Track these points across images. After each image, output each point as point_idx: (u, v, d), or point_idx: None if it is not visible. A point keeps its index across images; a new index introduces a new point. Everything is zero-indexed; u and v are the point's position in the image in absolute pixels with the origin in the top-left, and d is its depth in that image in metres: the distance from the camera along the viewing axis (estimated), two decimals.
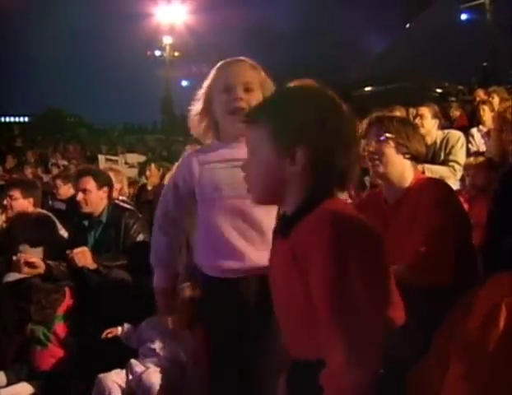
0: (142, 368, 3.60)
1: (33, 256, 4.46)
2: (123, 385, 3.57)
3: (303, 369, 1.76)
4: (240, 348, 2.51)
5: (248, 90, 2.48)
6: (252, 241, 2.46)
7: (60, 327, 4.15)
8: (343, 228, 1.63)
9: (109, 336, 3.87)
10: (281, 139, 1.72)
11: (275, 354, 2.32)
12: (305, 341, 1.73)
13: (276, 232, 1.89)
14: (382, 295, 1.67)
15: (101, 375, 3.59)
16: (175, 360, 3.60)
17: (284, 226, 1.79)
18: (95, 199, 4.69)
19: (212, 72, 2.58)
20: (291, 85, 1.87)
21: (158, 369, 3.56)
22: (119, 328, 3.87)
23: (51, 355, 4.12)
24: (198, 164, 2.61)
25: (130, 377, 3.58)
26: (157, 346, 3.66)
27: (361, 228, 1.67)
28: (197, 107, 2.61)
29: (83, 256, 4.25)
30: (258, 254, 2.40)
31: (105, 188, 4.75)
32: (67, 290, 4.30)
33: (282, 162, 1.72)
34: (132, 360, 3.64)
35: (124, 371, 3.63)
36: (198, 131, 2.64)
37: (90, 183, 4.69)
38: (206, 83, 2.59)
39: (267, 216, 2.38)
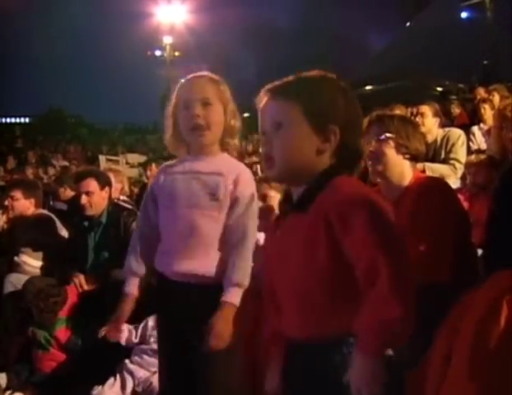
0: (145, 372, 3.55)
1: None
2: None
3: (315, 351, 1.78)
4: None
5: (205, 104, 2.55)
6: (194, 251, 2.54)
7: (61, 332, 4.14)
8: (375, 197, 1.75)
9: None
10: (317, 118, 1.82)
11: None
12: (323, 320, 1.75)
13: (283, 210, 1.97)
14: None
15: (95, 392, 3.55)
16: None
17: (302, 201, 1.84)
18: (99, 200, 4.69)
19: (175, 90, 2.67)
20: (308, 73, 1.92)
21: None
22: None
23: (52, 359, 4.11)
24: (164, 175, 2.70)
25: (130, 382, 3.52)
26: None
27: (382, 200, 1.76)
28: (167, 124, 2.70)
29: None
30: (196, 263, 2.52)
31: (107, 188, 4.75)
32: (70, 289, 4.31)
33: (315, 139, 1.82)
34: (130, 365, 3.59)
35: (118, 380, 3.57)
36: (172, 148, 2.73)
37: (92, 185, 4.68)
38: (171, 101, 2.68)
39: (214, 230, 2.52)
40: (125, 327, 3.79)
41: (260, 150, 1.96)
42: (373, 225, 1.64)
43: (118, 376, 3.58)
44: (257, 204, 2.58)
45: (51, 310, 4.10)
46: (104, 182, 4.77)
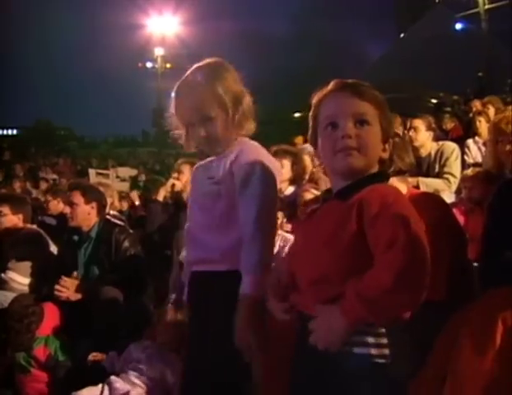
0: (125, 385, 3.49)
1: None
2: None
3: None
4: None
5: (206, 120, 2.50)
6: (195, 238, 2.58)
7: (40, 351, 4.05)
8: (406, 202, 1.84)
9: (95, 359, 3.79)
10: (385, 128, 1.97)
11: None
12: (320, 291, 1.82)
13: (325, 197, 2.04)
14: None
15: (74, 393, 3.48)
16: (161, 380, 3.52)
17: (344, 192, 1.92)
18: (81, 213, 4.65)
19: None
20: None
21: (142, 390, 3.48)
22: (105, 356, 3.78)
23: (35, 380, 4.01)
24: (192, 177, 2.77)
25: (106, 393, 3.47)
26: (144, 366, 3.57)
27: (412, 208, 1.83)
28: None
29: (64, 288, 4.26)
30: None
31: (94, 204, 4.69)
32: (49, 309, 4.22)
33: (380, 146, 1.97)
34: (112, 377, 3.52)
35: (99, 387, 3.50)
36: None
37: (77, 197, 4.67)
38: None
39: (212, 215, 2.47)
40: (109, 354, 3.76)
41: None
42: (399, 221, 1.72)
43: (100, 385, 3.51)
44: (267, 178, 2.36)
45: (27, 331, 4.03)
46: (92, 197, 4.72)
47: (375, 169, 1.95)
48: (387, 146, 1.97)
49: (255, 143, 2.52)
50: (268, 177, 2.37)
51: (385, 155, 1.97)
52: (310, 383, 1.87)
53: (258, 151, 2.47)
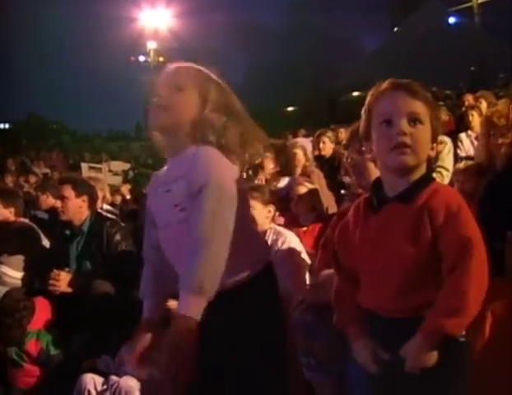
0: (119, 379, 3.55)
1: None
2: (98, 387, 3.52)
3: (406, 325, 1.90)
4: None
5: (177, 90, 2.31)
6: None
7: (32, 345, 4.06)
8: (466, 207, 1.94)
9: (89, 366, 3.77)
10: (435, 128, 2.07)
11: None
12: (416, 295, 1.90)
13: (380, 200, 2.07)
14: None
15: (82, 374, 3.57)
16: (149, 381, 3.47)
17: (407, 195, 1.99)
18: (73, 207, 4.62)
19: None
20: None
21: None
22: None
23: (27, 375, 4.03)
24: (150, 189, 2.49)
25: (105, 387, 3.52)
26: (131, 368, 3.57)
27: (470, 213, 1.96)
28: None
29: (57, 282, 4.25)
30: None
31: (85, 197, 4.67)
32: (40, 303, 4.22)
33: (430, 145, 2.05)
34: (112, 376, 3.57)
35: (103, 379, 3.57)
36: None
37: (68, 191, 4.64)
38: None
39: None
40: (102, 357, 3.77)
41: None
42: (467, 225, 1.87)
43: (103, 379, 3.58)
44: (224, 191, 2.07)
45: (18, 325, 4.04)
46: (83, 190, 4.70)
47: (424, 166, 2.04)
48: (434, 144, 2.07)
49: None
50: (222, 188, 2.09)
51: (433, 154, 2.07)
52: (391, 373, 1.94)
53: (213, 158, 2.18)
